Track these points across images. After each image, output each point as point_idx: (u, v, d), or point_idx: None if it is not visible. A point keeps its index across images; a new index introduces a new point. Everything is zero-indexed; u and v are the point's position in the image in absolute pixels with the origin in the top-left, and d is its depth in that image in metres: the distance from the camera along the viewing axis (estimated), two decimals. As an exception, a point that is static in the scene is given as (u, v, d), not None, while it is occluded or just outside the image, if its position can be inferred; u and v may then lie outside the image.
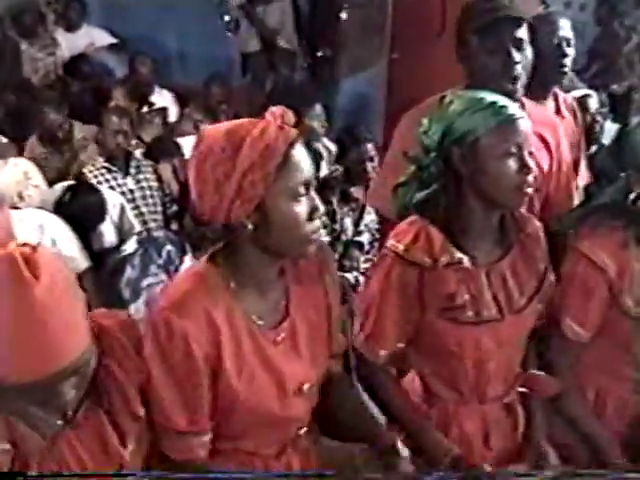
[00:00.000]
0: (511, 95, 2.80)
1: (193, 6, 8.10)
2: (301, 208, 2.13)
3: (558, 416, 2.73)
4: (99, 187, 5.11)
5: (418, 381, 2.65)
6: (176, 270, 4.16)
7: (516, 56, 2.96)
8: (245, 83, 7.99)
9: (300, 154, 2.14)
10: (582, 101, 5.47)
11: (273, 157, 2.08)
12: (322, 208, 2.19)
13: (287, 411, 2.30)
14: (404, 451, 2.39)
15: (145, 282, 4.10)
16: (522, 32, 3.00)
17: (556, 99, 3.86)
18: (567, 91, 4.57)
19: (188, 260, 4.12)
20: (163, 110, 7.15)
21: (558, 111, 3.79)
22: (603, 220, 2.66)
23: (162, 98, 7.51)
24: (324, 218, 2.18)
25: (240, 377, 2.22)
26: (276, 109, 2.13)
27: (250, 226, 2.13)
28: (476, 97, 2.46)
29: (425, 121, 2.51)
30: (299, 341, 2.31)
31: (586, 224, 2.68)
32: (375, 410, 2.56)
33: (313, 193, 2.17)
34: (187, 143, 6.01)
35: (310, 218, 2.15)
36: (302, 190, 2.13)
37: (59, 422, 2.08)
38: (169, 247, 4.22)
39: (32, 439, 2.06)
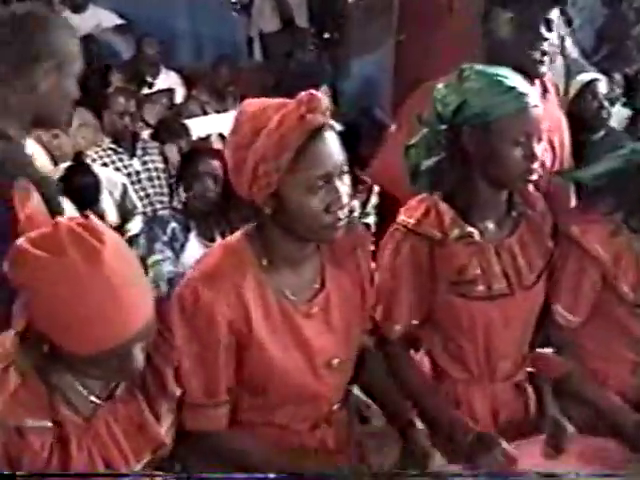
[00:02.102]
0: (534, 73, 2.78)
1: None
2: (317, 200, 2.11)
3: (565, 397, 2.72)
4: (100, 167, 5.12)
5: (427, 360, 2.64)
6: (181, 247, 4.20)
7: (545, 33, 2.93)
8: (253, 64, 7.97)
9: (321, 145, 2.11)
10: (590, 85, 5.44)
11: (286, 150, 2.07)
12: (345, 199, 2.15)
13: (317, 385, 2.31)
14: (421, 427, 2.42)
15: (151, 259, 4.09)
16: (554, 14, 2.97)
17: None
18: (575, 74, 4.56)
19: (193, 237, 4.13)
20: (169, 91, 7.14)
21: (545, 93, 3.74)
22: (595, 206, 2.64)
23: (169, 79, 7.49)
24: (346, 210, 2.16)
25: (271, 350, 2.23)
26: (305, 94, 2.09)
27: (268, 210, 2.14)
28: (496, 77, 2.42)
29: (442, 88, 2.48)
30: (332, 315, 2.32)
31: (578, 210, 2.67)
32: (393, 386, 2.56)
33: (337, 183, 2.13)
34: (194, 124, 6.02)
35: (327, 210, 2.12)
36: (319, 182, 2.10)
37: (98, 401, 2.07)
38: (173, 224, 4.24)
39: (72, 419, 2.05)
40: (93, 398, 2.07)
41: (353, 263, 2.38)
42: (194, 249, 4.15)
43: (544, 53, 2.93)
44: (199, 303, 2.16)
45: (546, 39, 2.92)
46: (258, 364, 2.24)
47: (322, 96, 2.11)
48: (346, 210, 2.16)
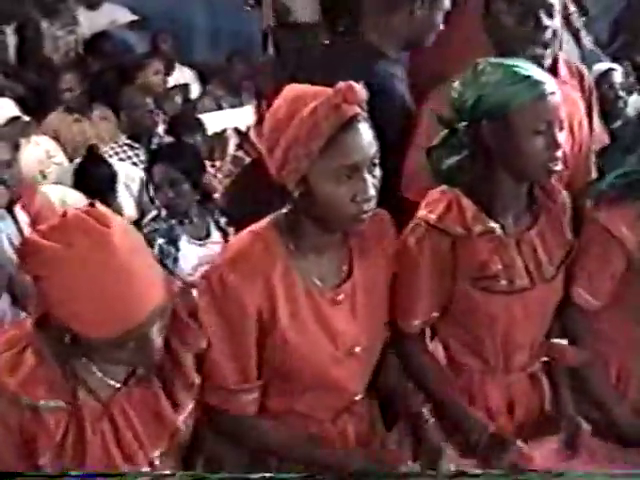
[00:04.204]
0: (540, 61, 2.76)
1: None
2: (344, 190, 2.14)
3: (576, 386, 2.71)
4: (118, 162, 5.13)
5: (441, 351, 2.63)
6: (174, 260, 4.03)
7: (546, 21, 2.90)
8: (268, 59, 7.95)
9: (353, 136, 2.13)
10: (606, 75, 5.42)
11: (317, 137, 2.10)
12: (372, 192, 2.16)
13: (339, 372, 2.32)
14: (432, 421, 2.44)
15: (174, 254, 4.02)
16: None
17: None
18: (590, 64, 4.52)
19: (184, 243, 4.04)
20: (184, 87, 7.15)
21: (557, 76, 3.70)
22: (622, 191, 2.62)
23: (183, 75, 7.50)
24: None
25: (296, 335, 2.25)
26: (342, 85, 2.12)
27: (296, 194, 2.16)
28: (511, 68, 2.41)
29: (458, 85, 2.48)
30: (357, 303, 2.33)
31: (604, 195, 2.64)
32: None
33: (366, 174, 2.15)
34: (209, 119, 6.03)
35: (354, 200, 2.14)
36: (347, 172, 2.13)
37: (116, 384, 2.08)
38: (159, 241, 4.02)
39: (88, 402, 2.06)
40: (111, 382, 2.08)
41: (381, 252, 2.39)
42: (189, 255, 4.04)
43: (546, 45, 2.90)
44: (228, 289, 2.19)
45: (547, 27, 2.89)
46: (281, 350, 2.26)
47: (359, 87, 2.12)
48: (373, 202, 2.18)
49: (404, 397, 2.54)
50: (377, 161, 2.17)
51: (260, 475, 2.17)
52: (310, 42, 7.32)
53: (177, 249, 4.03)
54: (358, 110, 2.13)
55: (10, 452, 2.03)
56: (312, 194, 2.16)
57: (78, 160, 5.08)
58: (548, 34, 2.90)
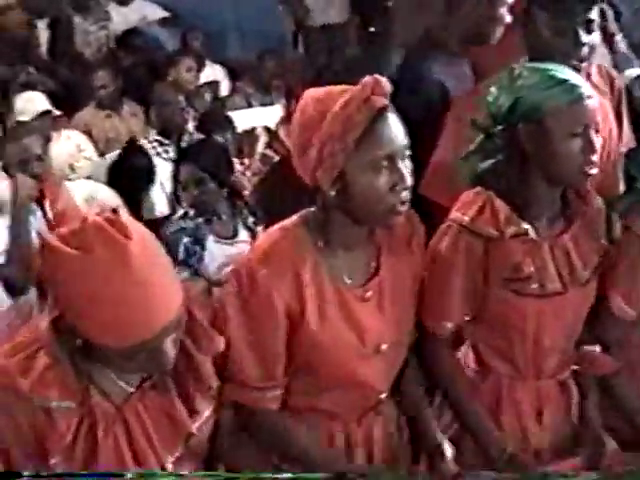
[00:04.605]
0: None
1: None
2: (382, 180, 2.15)
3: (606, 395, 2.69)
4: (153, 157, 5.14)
5: (471, 354, 2.62)
6: (199, 259, 4.01)
7: (584, 38, 2.89)
8: (298, 57, 7.96)
9: (385, 126, 2.15)
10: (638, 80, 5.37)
11: (352, 130, 2.11)
12: (409, 180, 2.17)
13: (365, 370, 2.32)
14: (449, 451, 2.38)
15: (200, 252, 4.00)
16: (593, 13, 2.93)
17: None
18: (623, 69, 4.48)
19: (211, 242, 4.01)
20: (214, 84, 7.16)
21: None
22: None
23: (214, 72, 7.51)
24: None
25: (323, 331, 2.25)
26: (369, 78, 2.13)
27: (332, 193, 2.16)
28: (547, 72, 2.41)
29: (494, 90, 2.47)
30: (385, 300, 2.33)
31: (638, 204, 2.63)
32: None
33: (401, 164, 2.16)
34: (239, 117, 6.04)
35: (392, 190, 2.15)
36: (384, 163, 2.14)
37: (130, 389, 2.07)
38: (185, 240, 4.00)
39: (101, 405, 2.05)
40: (125, 386, 2.07)
41: (408, 251, 2.39)
42: (216, 254, 4.00)
43: (582, 60, 2.89)
44: (257, 284, 2.19)
45: (585, 44, 2.89)
46: (307, 346, 2.26)
47: (385, 80, 2.14)
48: (409, 193, 2.18)
49: (424, 421, 2.49)
50: (408, 152, 2.18)
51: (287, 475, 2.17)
52: (339, 42, 7.36)
53: (203, 248, 4.01)
54: (387, 101, 2.14)
55: (22, 452, 2.03)
56: (349, 190, 2.16)
57: (114, 153, 5.09)
58: (585, 49, 2.89)
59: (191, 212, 4.09)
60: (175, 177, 4.23)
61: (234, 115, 5.99)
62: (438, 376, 2.56)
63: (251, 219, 4.07)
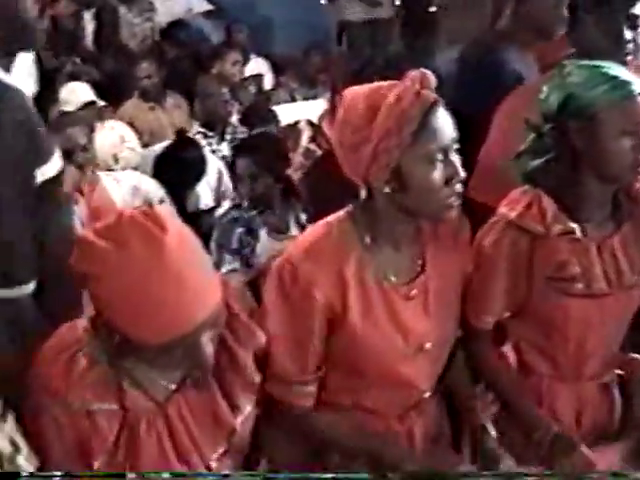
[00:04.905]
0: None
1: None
2: (437, 173, 2.14)
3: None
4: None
5: (512, 353, 2.60)
6: (252, 251, 3.98)
7: (628, 35, 2.89)
8: (343, 52, 7.97)
9: (438, 120, 2.14)
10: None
11: (408, 123, 2.10)
12: (462, 173, 2.17)
13: (408, 369, 2.30)
14: (493, 431, 2.40)
15: (221, 271, 3.94)
16: (638, 8, 2.92)
17: None
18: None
19: (263, 235, 4.00)
20: (258, 77, 7.17)
21: None
22: None
23: (258, 66, 7.53)
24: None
25: (366, 330, 2.23)
26: (415, 72, 2.13)
27: (387, 189, 2.15)
28: (598, 69, 2.39)
29: (545, 88, 2.46)
30: (430, 299, 2.31)
31: None
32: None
33: (453, 157, 2.16)
34: (283, 111, 6.04)
35: (447, 183, 2.14)
36: (439, 156, 2.13)
37: (171, 386, 2.07)
38: (239, 230, 4.00)
39: (142, 404, 2.05)
40: (167, 384, 2.06)
41: (455, 248, 2.37)
42: (267, 247, 3.99)
43: (626, 55, 2.89)
44: (298, 279, 2.18)
45: (629, 41, 2.89)
46: (350, 343, 2.25)
47: (430, 74, 2.14)
48: (461, 185, 2.17)
49: (467, 403, 2.51)
50: (457, 145, 2.18)
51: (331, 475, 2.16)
52: (382, 38, 7.35)
53: (256, 239, 4.01)
54: (436, 95, 2.14)
55: (65, 454, 2.02)
56: (405, 185, 2.15)
57: (161, 145, 5.10)
58: (629, 48, 2.89)
59: (245, 203, 4.09)
60: (231, 169, 4.23)
61: (278, 109, 6.00)
62: (482, 370, 2.55)
63: (304, 216, 4.06)
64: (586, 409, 2.57)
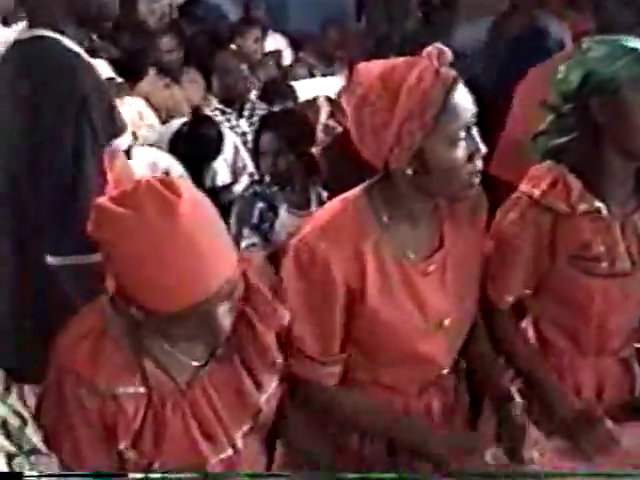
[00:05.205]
0: None
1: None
2: (460, 151, 2.12)
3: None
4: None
5: (532, 329, 2.59)
6: (271, 226, 3.99)
7: None
8: (361, 28, 7.93)
9: (459, 98, 2.11)
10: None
11: (431, 105, 2.07)
12: (483, 149, 2.15)
13: (427, 345, 2.30)
14: (518, 399, 2.39)
15: (241, 246, 3.98)
16: None
17: None
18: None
19: (283, 211, 3.99)
20: (277, 53, 7.16)
21: None
22: None
23: (276, 42, 7.51)
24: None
25: (385, 307, 2.23)
26: (432, 49, 2.10)
27: (409, 171, 2.13)
28: (617, 43, 2.37)
29: (563, 68, 2.44)
30: (448, 275, 2.30)
31: None
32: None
33: (474, 132, 2.14)
34: (301, 87, 6.03)
35: (469, 160, 2.13)
36: (462, 134, 2.11)
37: (195, 364, 2.07)
38: (260, 204, 4.01)
39: (167, 384, 2.05)
40: (191, 362, 2.06)
41: (472, 224, 2.36)
42: (287, 223, 3.96)
43: None
44: (316, 257, 2.16)
45: None
46: (369, 321, 2.24)
47: (447, 49, 2.10)
48: (482, 161, 2.16)
49: (492, 373, 2.51)
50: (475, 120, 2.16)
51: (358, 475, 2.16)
52: (399, 14, 7.31)
53: (276, 215, 4.00)
54: (454, 71, 2.11)
55: (91, 438, 2.03)
56: (427, 167, 2.12)
57: (178, 122, 5.09)
58: None
59: (267, 178, 4.09)
60: (255, 143, 4.22)
61: (296, 85, 5.99)
62: (503, 346, 2.55)
63: (325, 193, 4.05)
64: (607, 383, 2.58)
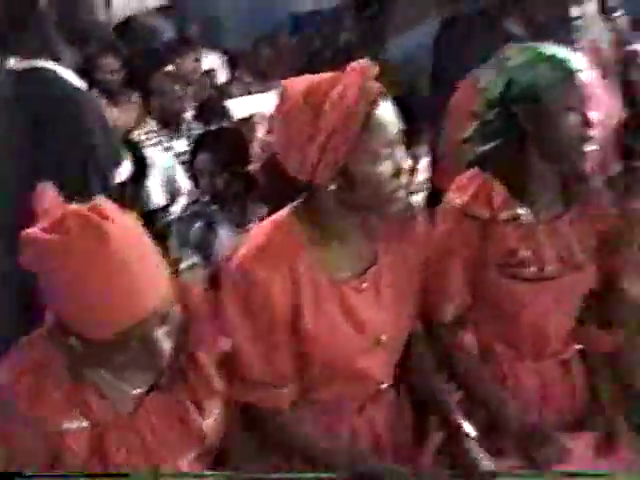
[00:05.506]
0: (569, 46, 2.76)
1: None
2: (385, 167, 2.13)
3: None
4: (148, 147, 5.13)
5: (473, 339, 2.62)
6: (210, 245, 4.01)
7: (574, 11, 2.92)
8: (294, 44, 7.95)
9: (383, 113, 2.12)
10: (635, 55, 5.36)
11: (354, 121, 2.07)
12: (408, 164, 2.17)
13: (365, 362, 2.30)
14: (472, 432, 2.35)
15: (181, 267, 3.95)
16: None
17: None
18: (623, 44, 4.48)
19: (224, 229, 4.00)
20: (211, 73, 7.14)
21: None
22: None
23: (211, 61, 7.49)
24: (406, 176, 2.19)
25: (320, 326, 2.22)
26: (356, 64, 2.10)
27: (333, 187, 2.13)
28: (536, 50, 2.43)
29: (485, 75, 2.49)
30: (382, 290, 2.31)
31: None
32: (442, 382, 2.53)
33: (399, 149, 2.15)
34: (237, 105, 6.01)
35: (395, 175, 2.14)
36: (386, 150, 2.12)
37: (137, 392, 2.05)
38: (198, 224, 4.07)
39: (110, 414, 2.03)
40: (132, 390, 2.05)
41: (405, 239, 2.37)
42: (226, 242, 3.95)
43: (576, 30, 2.92)
44: (254, 283, 2.16)
45: (575, 17, 2.91)
46: (308, 341, 2.24)
47: (372, 63, 2.11)
48: (407, 176, 2.18)
49: (441, 406, 2.45)
50: (401, 136, 2.17)
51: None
52: (331, 27, 7.33)
53: (215, 235, 4.02)
54: (380, 86, 2.12)
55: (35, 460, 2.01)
56: (352, 181, 2.13)
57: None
58: (578, 22, 2.91)
59: (205, 198, 4.11)
60: (191, 163, 4.24)
61: (232, 103, 5.98)
62: (445, 361, 2.57)
63: (264, 211, 4.05)
64: (549, 386, 2.61)
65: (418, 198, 4.79)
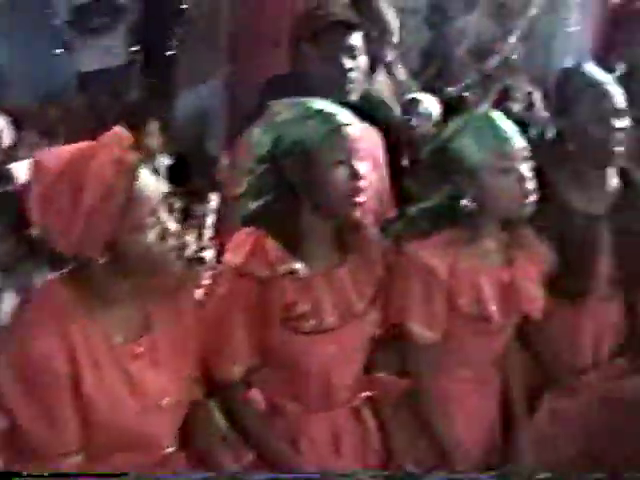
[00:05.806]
0: (345, 98, 2.82)
1: (25, 25, 7.90)
2: (152, 234, 2.16)
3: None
4: None
5: (261, 396, 2.62)
6: None
7: (347, 63, 2.98)
8: (81, 103, 7.85)
9: (144, 183, 2.15)
10: (411, 104, 5.54)
11: (114, 198, 2.10)
12: (173, 227, 2.19)
13: (147, 427, 2.29)
14: None
15: None
16: (354, 39, 3.02)
17: None
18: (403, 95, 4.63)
19: (6, 294, 3.93)
20: (-4, 134, 6.96)
21: None
22: (431, 224, 2.69)
23: (-6, 121, 7.30)
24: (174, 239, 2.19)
25: (100, 392, 2.21)
26: (109, 135, 2.12)
27: (102, 260, 2.15)
28: (303, 105, 2.47)
29: (255, 131, 2.51)
30: (160, 355, 2.31)
31: (414, 229, 2.70)
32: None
33: (164, 213, 2.17)
34: (22, 168, 5.87)
35: (163, 239, 2.18)
36: (151, 219, 2.13)
37: None
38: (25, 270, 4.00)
39: None
40: None
41: (180, 302, 2.38)
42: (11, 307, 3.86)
43: (350, 82, 2.99)
44: (32, 357, 2.14)
45: (351, 69, 2.98)
46: (88, 406, 2.22)
47: (124, 130, 2.11)
48: (177, 239, 2.20)
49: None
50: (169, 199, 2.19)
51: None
52: (117, 86, 7.30)
53: (1, 301, 3.88)
54: (136, 155, 2.15)
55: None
56: (120, 252, 2.15)
57: None
58: (351, 76, 2.98)
59: None
60: None
61: (17, 166, 5.84)
62: (233, 421, 2.56)
63: (51, 274, 3.96)
64: (342, 433, 2.63)
65: (209, 254, 4.81)
